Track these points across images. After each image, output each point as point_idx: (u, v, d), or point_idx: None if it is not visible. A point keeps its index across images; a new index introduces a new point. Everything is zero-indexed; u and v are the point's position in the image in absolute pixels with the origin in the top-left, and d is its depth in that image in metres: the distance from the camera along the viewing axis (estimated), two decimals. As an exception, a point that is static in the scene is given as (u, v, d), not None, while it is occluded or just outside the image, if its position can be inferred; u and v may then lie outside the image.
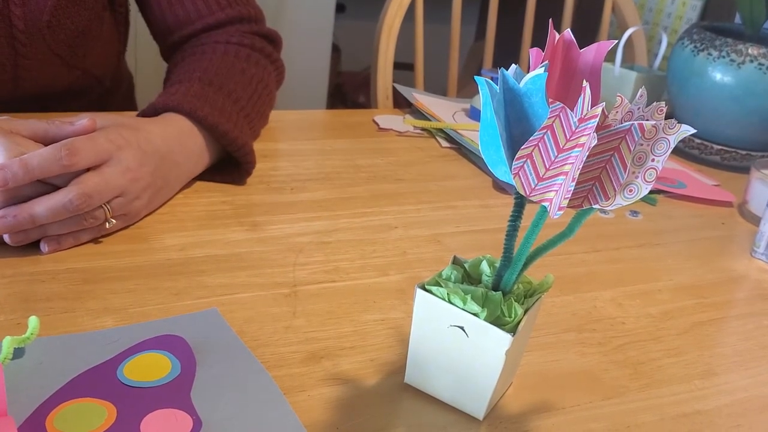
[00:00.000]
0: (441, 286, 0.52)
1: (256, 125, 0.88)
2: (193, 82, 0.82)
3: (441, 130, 1.09)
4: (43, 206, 0.62)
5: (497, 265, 0.52)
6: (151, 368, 0.52)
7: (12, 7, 0.84)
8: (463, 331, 0.51)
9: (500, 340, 0.50)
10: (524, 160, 0.43)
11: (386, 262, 0.73)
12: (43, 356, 0.52)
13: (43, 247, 0.65)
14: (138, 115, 0.78)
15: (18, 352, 0.52)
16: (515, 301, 0.52)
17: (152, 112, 0.78)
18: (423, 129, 1.10)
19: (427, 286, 0.53)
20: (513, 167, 0.44)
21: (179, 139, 0.76)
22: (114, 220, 0.67)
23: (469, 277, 0.55)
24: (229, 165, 0.83)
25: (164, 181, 0.74)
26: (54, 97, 0.96)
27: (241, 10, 0.94)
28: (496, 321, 0.51)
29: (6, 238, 0.63)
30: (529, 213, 0.49)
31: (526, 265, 0.51)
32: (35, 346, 0.53)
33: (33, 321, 0.53)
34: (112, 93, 1.08)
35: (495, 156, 0.45)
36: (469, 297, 0.51)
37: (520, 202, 0.49)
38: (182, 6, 0.93)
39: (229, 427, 0.48)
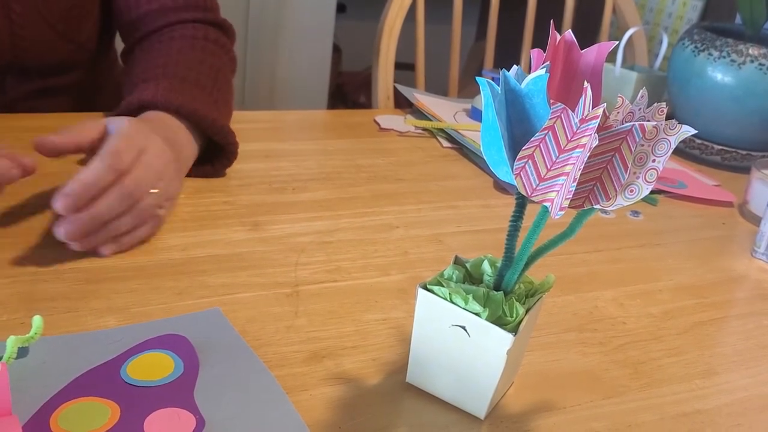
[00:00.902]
0: (443, 286, 0.52)
1: (224, 112, 0.89)
2: (159, 78, 0.83)
3: (442, 130, 1.09)
4: (101, 203, 0.63)
5: (498, 265, 0.53)
6: (154, 367, 0.53)
7: None
8: (465, 330, 0.51)
9: (502, 339, 0.50)
10: (526, 160, 0.43)
11: (388, 261, 0.73)
12: (47, 355, 0.52)
13: (104, 250, 0.66)
14: (114, 114, 0.78)
15: (22, 352, 0.52)
16: (516, 300, 0.52)
17: (127, 111, 0.79)
18: (424, 129, 1.10)
19: (428, 286, 0.53)
20: (514, 167, 0.44)
21: (171, 130, 0.77)
22: (163, 209, 0.69)
23: (470, 277, 0.55)
24: (208, 156, 0.85)
25: (184, 166, 0.77)
26: (49, 70, 0.98)
27: None
28: (498, 321, 0.51)
29: (73, 244, 0.64)
30: (531, 213, 0.49)
31: (527, 265, 0.52)
32: (39, 345, 0.53)
33: (37, 320, 0.53)
34: (104, 73, 1.09)
35: (496, 156, 0.45)
36: (470, 297, 0.51)
37: (522, 202, 0.49)
38: None
39: (232, 427, 0.49)
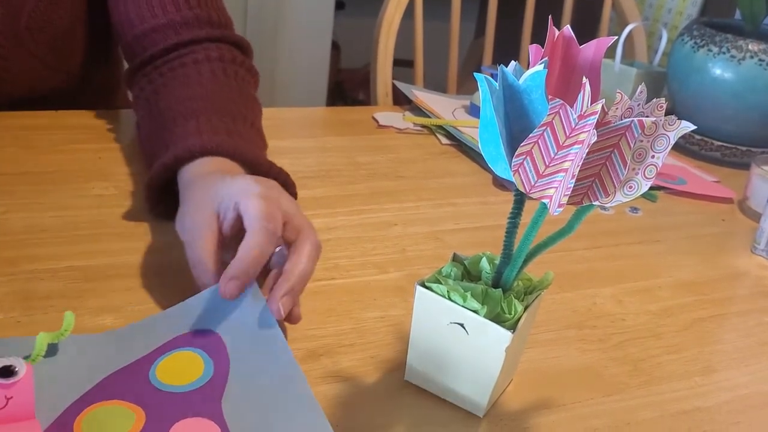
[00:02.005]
0: (441, 284, 0.52)
1: (263, 144, 0.82)
2: (206, 114, 0.74)
3: (441, 127, 1.09)
4: (303, 262, 0.56)
5: (497, 262, 0.52)
6: (184, 370, 0.50)
7: None
8: (463, 328, 0.51)
9: (500, 337, 0.50)
10: (524, 156, 0.43)
11: (386, 259, 0.73)
12: (76, 353, 0.50)
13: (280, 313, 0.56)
14: (173, 162, 0.69)
15: (51, 350, 0.50)
16: (515, 298, 0.52)
17: (189, 156, 0.69)
18: (423, 126, 1.10)
19: (427, 284, 0.52)
20: (513, 164, 0.43)
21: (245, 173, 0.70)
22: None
23: (468, 275, 0.55)
24: None
25: None
26: (41, 100, 0.93)
27: (210, 13, 0.86)
28: (496, 318, 0.51)
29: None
30: (529, 210, 0.49)
31: (526, 262, 0.51)
32: (68, 342, 0.51)
33: (69, 317, 0.50)
34: (106, 93, 1.06)
35: (495, 153, 0.45)
36: (468, 294, 0.51)
37: (520, 199, 0.49)
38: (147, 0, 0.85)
39: None
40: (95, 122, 0.93)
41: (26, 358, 0.46)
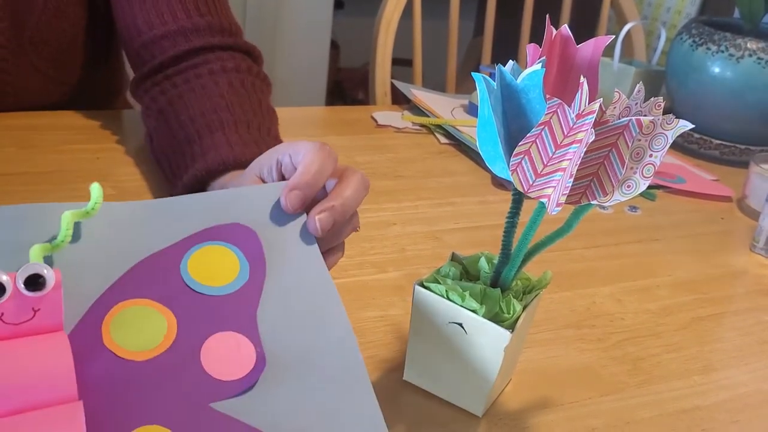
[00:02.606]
0: (439, 283, 0.52)
1: None
2: (231, 126, 0.73)
3: (439, 127, 1.09)
4: (347, 190, 0.53)
5: (495, 261, 0.52)
6: (217, 267, 0.46)
7: None
8: (462, 328, 0.51)
9: (499, 336, 0.50)
10: (522, 156, 0.43)
11: (385, 258, 0.73)
12: (103, 234, 0.44)
13: (333, 257, 0.56)
14: (204, 174, 0.68)
15: (75, 233, 0.44)
16: (514, 297, 0.52)
17: (222, 168, 0.68)
18: (421, 125, 1.10)
19: (425, 283, 0.52)
20: (511, 163, 0.43)
21: None
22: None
23: (467, 274, 0.55)
24: None
25: None
26: (45, 114, 0.92)
27: (221, 20, 0.85)
28: (495, 318, 0.51)
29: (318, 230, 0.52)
30: (528, 209, 0.49)
31: (524, 262, 0.51)
32: (93, 221, 0.44)
33: (96, 189, 0.44)
34: (106, 97, 1.06)
35: (493, 152, 0.45)
36: (467, 294, 0.51)
37: (518, 198, 0.49)
38: (155, 5, 0.83)
39: (293, 371, 0.43)
40: (94, 123, 0.92)
41: (51, 241, 0.42)
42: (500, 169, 0.45)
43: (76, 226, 0.44)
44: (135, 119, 0.90)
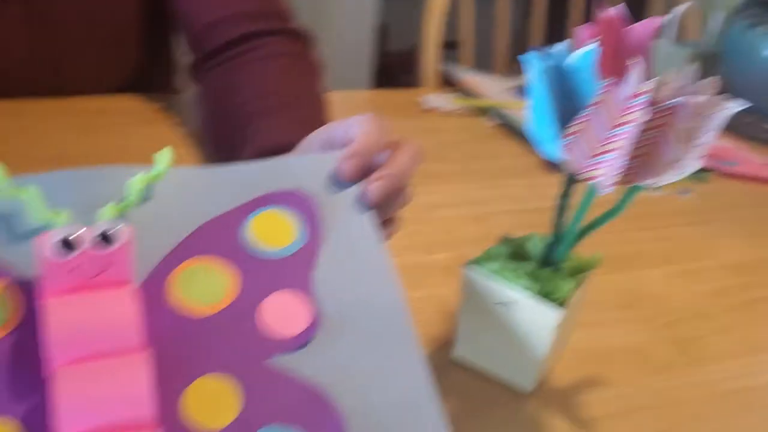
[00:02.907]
0: (490, 263, 0.53)
1: None
2: (284, 110, 0.75)
3: (488, 109, 1.09)
4: (400, 161, 0.53)
5: (546, 242, 0.53)
6: (277, 231, 0.47)
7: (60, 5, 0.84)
8: (512, 307, 0.52)
9: (549, 315, 0.51)
10: (574, 136, 0.44)
11: (433, 240, 0.74)
12: (171, 197, 0.47)
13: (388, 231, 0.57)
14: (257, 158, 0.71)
15: (146, 193, 0.46)
16: (564, 277, 0.52)
17: (276, 152, 0.66)
18: (470, 108, 1.10)
19: (476, 263, 0.53)
20: (562, 144, 0.44)
21: None
22: None
23: (517, 255, 0.56)
24: None
25: None
26: (104, 99, 0.95)
27: (275, 5, 0.87)
28: (546, 297, 0.51)
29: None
30: (579, 191, 0.49)
31: (574, 242, 0.52)
32: (161, 184, 0.47)
33: (165, 154, 0.46)
34: (167, 81, 1.08)
35: (544, 133, 0.45)
36: (517, 273, 0.51)
37: (570, 179, 0.49)
38: None
39: (346, 331, 0.44)
40: (151, 107, 0.95)
41: (122, 201, 0.44)
42: (552, 150, 0.46)
43: (146, 188, 0.46)
44: (189, 103, 0.93)
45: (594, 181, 0.45)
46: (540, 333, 0.52)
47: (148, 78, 1.01)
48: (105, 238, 0.40)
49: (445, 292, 0.65)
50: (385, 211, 0.54)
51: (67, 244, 0.39)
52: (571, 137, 0.44)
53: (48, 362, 0.37)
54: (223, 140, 0.79)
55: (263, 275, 0.45)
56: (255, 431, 0.39)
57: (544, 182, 0.90)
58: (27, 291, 0.40)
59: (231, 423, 0.39)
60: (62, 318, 0.37)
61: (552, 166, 0.93)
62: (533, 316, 0.51)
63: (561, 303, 0.51)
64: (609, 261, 0.73)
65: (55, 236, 0.38)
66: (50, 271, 0.39)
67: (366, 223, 0.50)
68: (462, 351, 0.57)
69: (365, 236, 0.49)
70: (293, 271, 0.46)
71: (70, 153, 0.81)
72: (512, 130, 1.04)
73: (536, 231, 0.56)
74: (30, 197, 0.42)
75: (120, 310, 0.39)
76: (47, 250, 0.38)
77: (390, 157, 0.54)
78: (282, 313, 0.44)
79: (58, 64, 0.90)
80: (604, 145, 0.43)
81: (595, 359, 0.59)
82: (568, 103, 0.45)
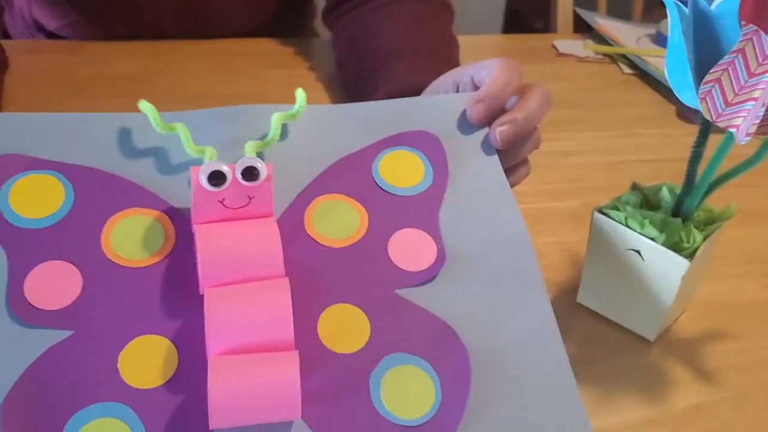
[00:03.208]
0: (619, 210, 0.53)
1: None
2: (414, 55, 0.76)
3: (624, 56, 1.06)
4: (530, 103, 0.53)
5: (678, 191, 0.52)
6: (405, 170, 0.49)
7: None
8: (640, 255, 0.52)
9: (677, 265, 0.50)
10: (712, 84, 0.43)
11: (561, 187, 0.74)
12: (305, 135, 0.49)
13: (521, 173, 0.57)
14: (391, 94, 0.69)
15: (282, 133, 0.48)
16: (695, 228, 0.52)
17: (403, 95, 0.66)
18: (605, 54, 1.08)
19: (605, 210, 0.54)
20: (700, 92, 0.43)
21: None
22: None
23: (648, 203, 0.55)
24: None
25: None
26: (242, 41, 0.98)
27: None
28: (674, 246, 0.51)
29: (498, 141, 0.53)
30: (713, 142, 0.48)
31: (707, 193, 0.51)
32: (297, 122, 0.49)
33: (301, 94, 0.49)
34: (303, 25, 1.11)
35: (682, 81, 0.45)
36: (647, 221, 0.51)
37: (706, 127, 0.49)
38: None
39: (471, 268, 0.45)
40: (287, 50, 0.98)
41: (262, 138, 0.47)
42: (689, 98, 0.45)
43: (284, 126, 0.49)
44: (325, 47, 0.95)
45: (730, 131, 0.44)
46: (666, 283, 0.52)
47: (287, 22, 1.05)
48: (249, 173, 0.43)
49: (572, 239, 0.66)
50: (514, 154, 0.55)
51: (216, 177, 0.42)
52: (708, 85, 0.43)
53: (198, 285, 0.40)
54: (356, 83, 0.81)
55: (391, 212, 0.47)
56: (381, 358, 0.41)
57: (678, 132, 0.88)
58: (179, 220, 0.44)
59: (360, 349, 0.42)
60: (212, 244, 0.41)
61: (687, 115, 0.91)
62: (660, 266, 0.51)
63: (689, 254, 0.51)
64: (742, 214, 0.70)
65: (205, 169, 0.42)
66: (201, 201, 0.42)
67: (493, 165, 0.51)
68: (586, 298, 0.57)
69: (492, 178, 0.50)
70: (420, 209, 0.48)
71: (211, 93, 0.85)
72: (647, 79, 1.01)
73: (670, 181, 0.55)
74: (180, 133, 0.46)
75: (264, 239, 0.42)
76: (199, 182, 0.42)
77: (519, 100, 0.54)
78: (409, 248, 0.46)
79: (208, 16, 0.95)
80: (742, 94, 0.42)
81: (722, 312, 0.59)
82: (707, 51, 0.44)
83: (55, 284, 0.40)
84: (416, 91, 0.70)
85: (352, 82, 0.83)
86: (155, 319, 0.40)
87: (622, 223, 0.52)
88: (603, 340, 0.55)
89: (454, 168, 0.50)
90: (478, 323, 0.44)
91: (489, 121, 0.52)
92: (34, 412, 0.37)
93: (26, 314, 0.39)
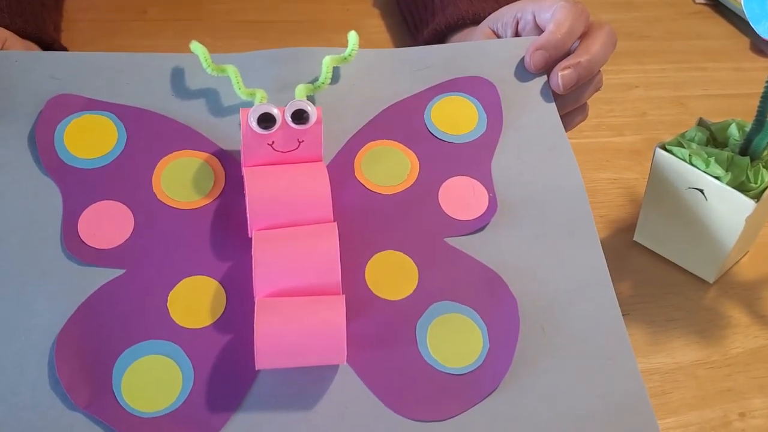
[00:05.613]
0: (683, 147, 0.51)
1: None
2: None
3: (696, -15, 1.01)
4: (594, 46, 0.51)
5: (747, 129, 0.50)
6: (458, 117, 0.48)
7: None
8: (703, 194, 0.50)
9: (742, 205, 0.49)
10: (792, 15, 0.40)
11: (623, 122, 0.72)
12: (356, 78, 0.48)
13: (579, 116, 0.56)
14: (443, 29, 0.68)
15: (334, 76, 0.48)
16: (764, 167, 0.50)
17: (461, 23, 0.67)
18: (676, -17, 1.03)
19: (668, 147, 0.52)
20: (778, 23, 0.41)
21: None
22: None
23: (714, 141, 0.53)
24: None
25: None
26: None
27: None
28: (740, 186, 0.49)
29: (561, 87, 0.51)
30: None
31: (779, 131, 0.49)
32: (349, 66, 0.48)
33: (353, 37, 0.47)
34: None
35: (758, 10, 0.42)
36: (712, 160, 0.49)
37: (782, 62, 0.46)
38: None
39: (522, 217, 0.45)
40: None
41: (313, 82, 0.46)
42: (765, 30, 0.43)
43: (335, 70, 0.48)
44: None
45: (810, 65, 0.42)
46: (729, 224, 0.50)
47: None
48: (298, 116, 0.42)
49: (632, 175, 0.64)
50: (573, 98, 0.53)
51: (266, 120, 0.41)
52: (789, 16, 0.40)
53: (248, 227, 0.40)
54: (413, 10, 0.79)
55: (443, 159, 0.46)
56: (429, 306, 0.41)
57: (751, 66, 0.84)
58: (229, 162, 0.44)
59: (408, 296, 0.41)
60: (261, 186, 0.41)
61: (762, 49, 0.86)
62: (724, 206, 0.50)
63: (756, 195, 0.49)
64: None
65: (256, 111, 0.41)
66: (251, 144, 0.42)
67: (550, 113, 0.49)
68: (643, 236, 0.56)
69: (549, 127, 0.49)
70: (473, 157, 0.47)
71: (265, 18, 0.84)
72: (720, 9, 0.96)
73: (740, 118, 0.53)
74: (231, 75, 0.45)
75: (313, 183, 0.41)
76: (249, 124, 0.41)
77: (583, 42, 0.52)
78: (460, 196, 0.45)
79: None
80: (827, 25, 0.40)
81: (788, 256, 0.57)
82: (790, -22, 0.41)
83: (107, 224, 0.41)
84: (475, 21, 0.68)
85: (409, 9, 0.81)
86: (204, 260, 0.40)
87: (685, 161, 0.50)
88: (659, 279, 0.54)
89: (509, 115, 0.48)
90: (528, 273, 0.43)
91: (549, 68, 0.50)
92: (87, 347, 0.37)
93: (80, 252, 0.39)
